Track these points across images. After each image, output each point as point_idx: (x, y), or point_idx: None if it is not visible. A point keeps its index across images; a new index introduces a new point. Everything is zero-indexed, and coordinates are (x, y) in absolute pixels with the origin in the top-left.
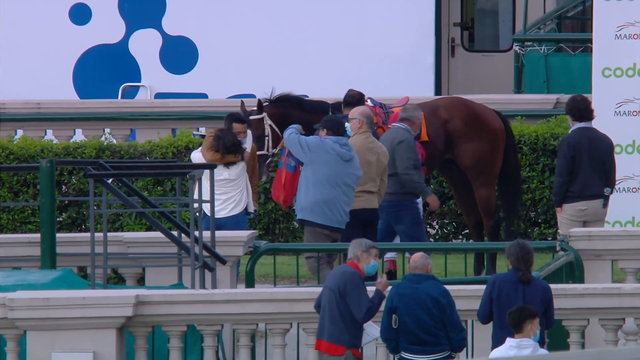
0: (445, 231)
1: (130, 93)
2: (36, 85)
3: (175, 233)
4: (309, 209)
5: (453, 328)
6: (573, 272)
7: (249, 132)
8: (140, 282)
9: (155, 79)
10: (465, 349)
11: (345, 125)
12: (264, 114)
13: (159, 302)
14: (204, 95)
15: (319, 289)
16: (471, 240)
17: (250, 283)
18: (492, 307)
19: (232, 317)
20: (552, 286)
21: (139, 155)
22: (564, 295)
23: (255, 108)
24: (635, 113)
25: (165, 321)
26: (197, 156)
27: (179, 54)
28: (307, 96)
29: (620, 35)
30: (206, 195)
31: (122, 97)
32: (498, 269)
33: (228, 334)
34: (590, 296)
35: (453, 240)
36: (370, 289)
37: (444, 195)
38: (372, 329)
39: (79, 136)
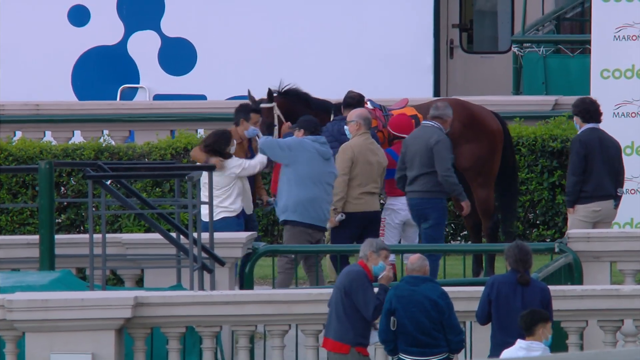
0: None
1: (129, 94)
2: (35, 87)
3: (174, 234)
4: (292, 208)
5: (451, 330)
6: (572, 273)
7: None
8: (139, 283)
9: (154, 80)
10: (463, 350)
11: (344, 128)
12: (274, 104)
13: (157, 303)
14: (203, 97)
15: (318, 291)
16: (469, 242)
17: (249, 285)
18: (491, 308)
19: (230, 318)
20: (551, 288)
21: (138, 157)
22: (563, 297)
23: (266, 97)
24: (633, 114)
25: (164, 323)
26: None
27: (178, 56)
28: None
29: (618, 36)
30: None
31: (120, 99)
32: (496, 270)
33: (227, 336)
34: (589, 298)
35: (451, 241)
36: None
37: None
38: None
39: (77, 138)
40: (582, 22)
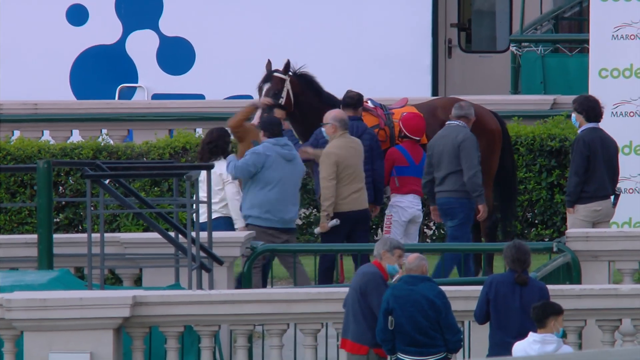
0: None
1: (128, 94)
2: (33, 86)
3: (172, 234)
4: (256, 212)
5: (449, 330)
6: (570, 273)
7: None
8: (138, 282)
9: (152, 79)
10: (461, 350)
11: (322, 130)
12: (288, 78)
13: (156, 302)
14: (201, 96)
15: (317, 290)
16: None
17: (247, 284)
18: (489, 307)
19: (229, 317)
20: (549, 287)
21: (136, 156)
22: (561, 296)
23: (282, 68)
24: (632, 114)
25: (162, 322)
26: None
27: (176, 55)
28: None
29: (617, 35)
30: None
31: (119, 98)
32: (495, 269)
33: (225, 335)
34: (588, 297)
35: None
36: None
37: None
38: None
39: (76, 137)
40: (580, 21)
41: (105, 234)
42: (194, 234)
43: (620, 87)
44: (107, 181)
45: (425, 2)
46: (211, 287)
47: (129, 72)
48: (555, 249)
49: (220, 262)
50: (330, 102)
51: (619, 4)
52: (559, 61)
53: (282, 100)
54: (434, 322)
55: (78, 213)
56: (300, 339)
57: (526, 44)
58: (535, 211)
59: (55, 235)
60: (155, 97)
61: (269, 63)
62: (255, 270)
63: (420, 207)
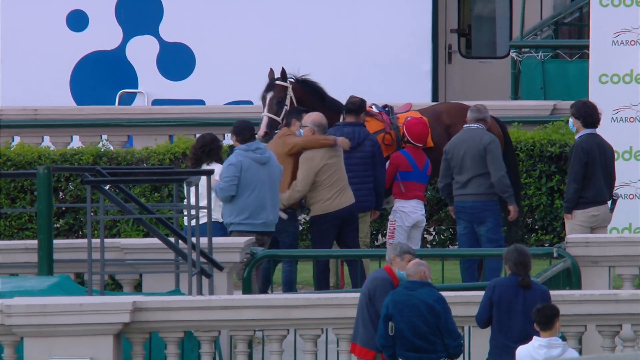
0: (442, 237)
1: (128, 99)
2: (33, 92)
3: (172, 239)
4: (237, 219)
5: (449, 335)
6: (570, 278)
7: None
8: (138, 288)
9: (152, 85)
10: (462, 355)
11: (300, 132)
12: (290, 85)
13: (156, 308)
14: (201, 102)
15: (316, 296)
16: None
17: (247, 289)
18: (492, 311)
19: (229, 323)
20: (550, 292)
21: (136, 162)
22: (562, 302)
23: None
24: (632, 119)
25: (162, 327)
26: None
27: (176, 61)
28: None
29: (617, 41)
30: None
31: (119, 104)
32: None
33: (225, 340)
34: (588, 302)
35: (450, 246)
36: None
37: (440, 202)
38: None
39: (76, 143)
40: (580, 27)
41: (106, 240)
42: (194, 239)
43: (620, 93)
44: (107, 187)
45: (425, 8)
46: (211, 292)
47: (129, 77)
48: (555, 255)
49: (220, 267)
50: (333, 106)
51: (619, 10)
52: (559, 67)
53: (287, 108)
54: (433, 327)
55: (78, 219)
56: (300, 345)
57: (526, 49)
58: (536, 217)
59: (55, 241)
60: (156, 102)
61: (271, 72)
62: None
63: (423, 212)
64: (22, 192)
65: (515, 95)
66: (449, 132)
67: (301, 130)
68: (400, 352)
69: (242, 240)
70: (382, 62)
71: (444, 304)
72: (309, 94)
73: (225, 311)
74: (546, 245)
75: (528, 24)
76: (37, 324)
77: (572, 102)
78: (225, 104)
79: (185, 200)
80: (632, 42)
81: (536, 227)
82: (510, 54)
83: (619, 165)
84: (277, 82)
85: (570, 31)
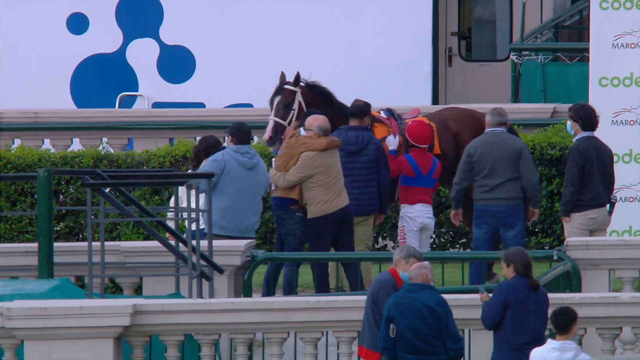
0: (442, 240)
1: (128, 102)
2: (34, 95)
3: (172, 242)
4: (217, 222)
5: (450, 337)
6: (570, 281)
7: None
8: (138, 291)
9: (152, 88)
10: (462, 358)
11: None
12: (299, 90)
13: (156, 311)
14: (202, 105)
15: (316, 299)
16: (468, 250)
17: (247, 292)
18: (506, 313)
19: (229, 326)
20: (550, 295)
21: (137, 165)
22: (562, 305)
23: (292, 80)
24: (632, 122)
25: (162, 330)
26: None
27: (177, 63)
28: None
29: (617, 44)
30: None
31: (119, 107)
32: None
33: (225, 344)
34: (588, 305)
35: (450, 249)
36: None
37: (441, 205)
38: None
39: (76, 145)
40: (580, 30)
41: (106, 243)
42: (194, 242)
43: (620, 96)
44: (107, 190)
45: (426, 11)
46: (211, 295)
47: (130, 80)
48: (555, 257)
49: (220, 270)
50: (342, 111)
51: (619, 13)
52: (559, 70)
53: (294, 113)
54: (434, 329)
55: (78, 222)
56: (300, 348)
57: (526, 52)
58: (535, 219)
59: (55, 244)
60: (156, 105)
61: (282, 75)
62: None
63: (430, 215)
64: (22, 195)
65: (516, 98)
66: (456, 139)
67: (303, 132)
68: (401, 355)
69: (242, 243)
70: (382, 64)
71: (445, 306)
72: (319, 99)
73: (226, 314)
74: (546, 248)
75: (528, 27)
76: (37, 327)
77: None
78: (225, 107)
79: (189, 203)
80: (632, 45)
81: (536, 230)
82: (511, 56)
83: (619, 168)
84: (286, 86)
85: (570, 34)
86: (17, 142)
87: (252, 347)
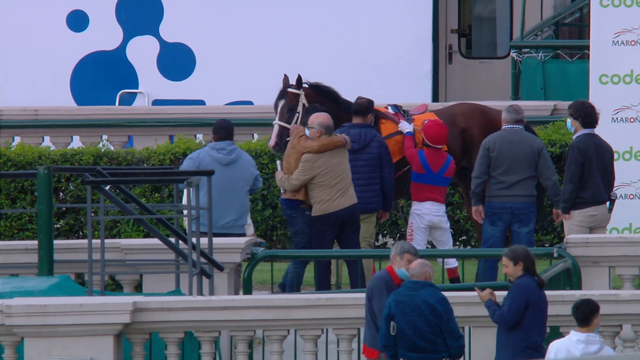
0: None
1: (128, 100)
2: (34, 92)
3: (172, 240)
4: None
5: (450, 335)
6: (570, 278)
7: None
8: (138, 288)
9: (152, 85)
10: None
11: (305, 132)
12: (302, 92)
13: (156, 308)
14: (202, 102)
15: (316, 296)
16: (468, 247)
17: (247, 290)
18: (526, 312)
19: (229, 323)
20: (550, 293)
21: (137, 162)
22: (562, 302)
23: (295, 83)
24: (632, 120)
25: (162, 328)
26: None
27: (177, 61)
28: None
29: (617, 41)
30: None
31: (119, 104)
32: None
33: (226, 341)
34: None
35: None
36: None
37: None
38: None
39: (76, 143)
40: (580, 27)
41: (106, 240)
42: (194, 239)
43: (620, 93)
44: (107, 187)
45: (426, 8)
46: (211, 293)
47: (130, 77)
48: (555, 255)
49: (220, 268)
50: (348, 109)
51: (620, 10)
52: (560, 67)
53: (299, 116)
54: (435, 327)
55: (78, 219)
56: (300, 345)
57: (526, 50)
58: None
59: (55, 242)
60: (156, 102)
61: (285, 78)
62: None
63: (440, 213)
64: (22, 192)
65: (516, 96)
66: (463, 135)
67: (307, 130)
68: (401, 352)
69: (242, 240)
70: (382, 62)
71: (446, 304)
72: (324, 99)
73: (226, 311)
74: (546, 245)
75: (528, 24)
76: (37, 325)
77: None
78: (225, 104)
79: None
80: (633, 43)
81: (536, 227)
82: (511, 54)
83: (620, 166)
84: (289, 89)
85: (571, 31)
86: (17, 139)
87: (253, 344)
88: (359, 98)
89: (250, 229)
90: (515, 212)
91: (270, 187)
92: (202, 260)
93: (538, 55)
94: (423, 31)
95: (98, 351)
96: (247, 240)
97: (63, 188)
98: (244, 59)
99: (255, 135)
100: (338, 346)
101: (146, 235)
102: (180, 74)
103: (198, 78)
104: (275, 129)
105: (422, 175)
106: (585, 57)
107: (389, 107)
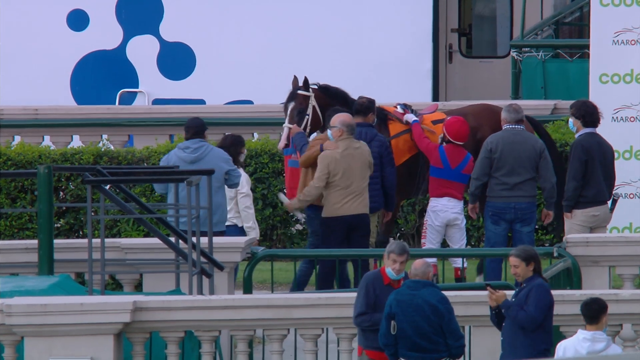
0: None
1: (128, 99)
2: (34, 92)
3: (172, 239)
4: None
5: (451, 335)
6: (570, 278)
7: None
8: (138, 288)
9: (152, 84)
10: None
11: (327, 132)
12: (312, 94)
13: (156, 308)
14: (202, 101)
15: (316, 295)
16: (468, 247)
17: (247, 289)
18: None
19: (229, 323)
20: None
21: (137, 161)
22: (562, 302)
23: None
24: (632, 119)
25: (162, 327)
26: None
27: (177, 60)
28: None
29: (617, 41)
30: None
31: (119, 103)
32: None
33: (226, 340)
34: None
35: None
36: None
37: None
38: None
39: (76, 142)
40: (580, 26)
41: (106, 240)
42: (194, 239)
43: (620, 93)
44: (107, 186)
45: (426, 8)
46: (212, 292)
47: (130, 77)
48: (555, 254)
49: (220, 267)
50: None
51: (620, 10)
52: (560, 66)
53: (309, 118)
54: (436, 327)
55: (78, 218)
56: (300, 344)
57: (527, 49)
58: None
59: (55, 241)
60: (156, 102)
61: (295, 80)
62: None
63: (457, 209)
64: (22, 191)
65: (516, 95)
66: (474, 134)
67: (329, 131)
68: (402, 352)
69: (242, 239)
70: (382, 61)
71: (447, 304)
72: (333, 100)
73: (226, 311)
74: (546, 244)
75: (529, 24)
76: (37, 324)
77: (573, 101)
78: (225, 104)
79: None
80: (633, 42)
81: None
82: (511, 53)
83: (620, 165)
84: (299, 91)
85: (571, 31)
86: (17, 138)
87: (253, 343)
88: (360, 97)
89: (253, 232)
90: (519, 211)
91: (270, 187)
92: (202, 259)
93: (538, 55)
94: (423, 30)
95: (98, 350)
96: (247, 240)
97: (63, 187)
98: (244, 59)
99: (255, 135)
100: (338, 345)
101: (146, 235)
102: (180, 73)
103: (198, 77)
104: (285, 131)
105: (440, 170)
106: (585, 57)
107: (398, 107)
